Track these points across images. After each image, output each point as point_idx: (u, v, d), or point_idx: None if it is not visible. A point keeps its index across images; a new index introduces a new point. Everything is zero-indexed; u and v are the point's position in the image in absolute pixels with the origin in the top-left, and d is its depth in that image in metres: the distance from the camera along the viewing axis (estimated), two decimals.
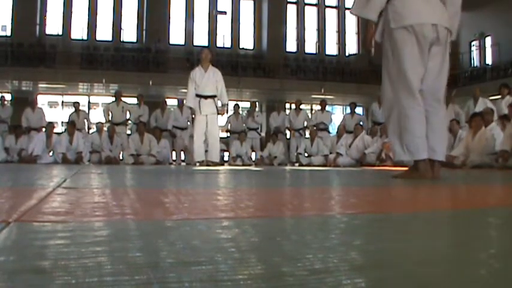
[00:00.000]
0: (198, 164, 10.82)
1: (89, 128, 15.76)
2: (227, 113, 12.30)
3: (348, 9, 28.64)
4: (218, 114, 10.95)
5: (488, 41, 28.03)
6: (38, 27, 25.09)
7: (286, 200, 2.75)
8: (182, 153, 15.21)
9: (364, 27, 5.12)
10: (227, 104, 11.26)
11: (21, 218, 1.54)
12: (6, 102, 16.41)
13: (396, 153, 4.81)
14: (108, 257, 1.00)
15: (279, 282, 0.83)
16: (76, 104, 15.93)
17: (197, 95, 10.80)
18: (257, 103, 20.33)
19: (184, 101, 11.91)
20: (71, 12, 25.92)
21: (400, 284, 0.84)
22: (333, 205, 2.33)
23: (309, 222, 1.67)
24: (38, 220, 1.54)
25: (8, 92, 22.87)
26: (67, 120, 15.37)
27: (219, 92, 10.87)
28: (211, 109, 10.81)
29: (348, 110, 17.46)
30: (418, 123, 4.74)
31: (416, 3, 4.74)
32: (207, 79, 10.81)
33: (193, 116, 11.32)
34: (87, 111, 18.37)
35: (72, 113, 15.88)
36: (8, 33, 24.67)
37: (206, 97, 10.78)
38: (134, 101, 16.58)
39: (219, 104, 10.99)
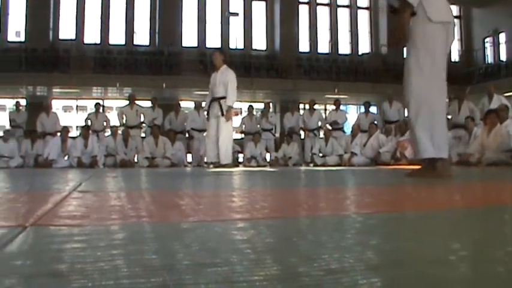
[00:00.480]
0: (211, 165, 10.77)
1: (105, 131, 15.66)
2: (241, 114, 12.07)
3: (360, 8, 28.75)
4: (222, 116, 10.75)
5: (502, 37, 27.81)
6: (51, 32, 25.19)
7: (301, 200, 2.75)
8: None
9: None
10: (231, 106, 10.70)
11: (37, 222, 1.55)
12: (21, 108, 16.49)
13: (424, 150, 4.61)
14: (124, 260, 1.01)
15: (295, 283, 0.84)
16: (97, 105, 15.90)
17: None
18: (271, 104, 20.25)
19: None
20: (84, 17, 26.01)
21: (415, 283, 0.84)
22: (348, 205, 2.33)
23: (324, 223, 1.67)
24: (54, 224, 1.55)
25: (22, 98, 22.99)
26: (84, 121, 15.44)
27: (227, 93, 10.67)
28: (216, 111, 10.66)
29: (362, 109, 17.36)
30: (445, 120, 4.73)
31: (444, 1, 4.77)
32: (215, 81, 10.72)
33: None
34: (105, 114, 18.24)
35: (90, 113, 15.93)
36: (22, 38, 24.82)
37: (215, 99, 10.70)
38: (148, 104, 16.55)
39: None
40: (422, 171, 4.79)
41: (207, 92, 11.15)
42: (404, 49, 4.83)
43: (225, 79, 10.62)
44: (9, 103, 19.14)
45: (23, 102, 19.38)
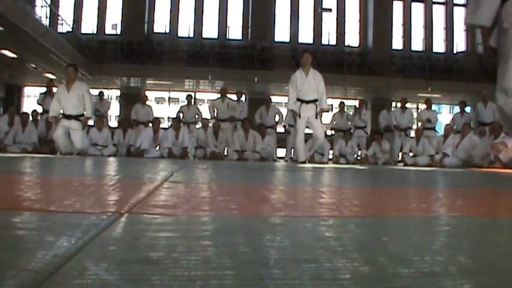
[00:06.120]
0: (307, 162, 10.70)
1: (196, 123, 15.82)
2: (331, 111, 12.00)
3: (457, 5, 28.04)
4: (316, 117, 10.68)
5: None
6: (146, 25, 25.85)
7: (391, 200, 2.72)
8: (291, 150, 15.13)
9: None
10: (325, 110, 10.90)
11: (132, 210, 1.59)
12: (104, 98, 16.82)
13: None
14: (216, 252, 1.03)
15: (387, 284, 0.83)
16: (189, 97, 16.10)
17: (298, 99, 10.68)
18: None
19: (287, 105, 11.68)
20: (178, 11, 26.58)
21: None
22: (440, 207, 2.28)
23: (415, 224, 1.65)
24: (148, 212, 1.59)
25: (117, 88, 23.70)
26: (176, 114, 15.73)
27: (319, 96, 10.67)
28: (311, 113, 10.63)
29: (456, 109, 16.94)
30: None
31: None
32: (308, 84, 10.63)
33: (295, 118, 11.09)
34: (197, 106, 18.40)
35: (183, 106, 16.17)
36: (118, 31, 25.58)
37: (308, 102, 10.67)
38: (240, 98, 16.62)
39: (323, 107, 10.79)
40: None
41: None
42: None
43: (318, 82, 10.61)
44: (105, 93, 19.64)
45: (116, 92, 19.78)
